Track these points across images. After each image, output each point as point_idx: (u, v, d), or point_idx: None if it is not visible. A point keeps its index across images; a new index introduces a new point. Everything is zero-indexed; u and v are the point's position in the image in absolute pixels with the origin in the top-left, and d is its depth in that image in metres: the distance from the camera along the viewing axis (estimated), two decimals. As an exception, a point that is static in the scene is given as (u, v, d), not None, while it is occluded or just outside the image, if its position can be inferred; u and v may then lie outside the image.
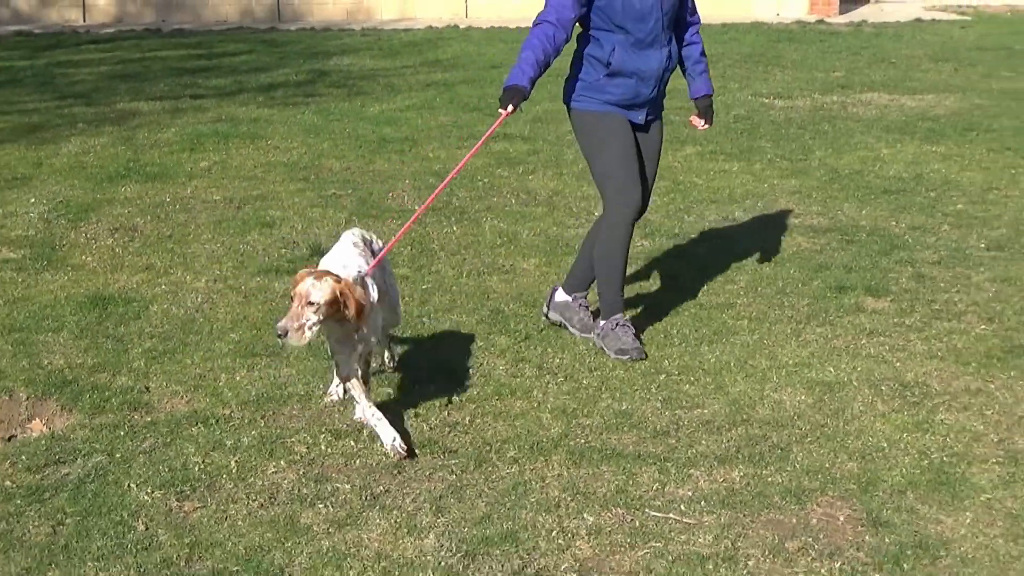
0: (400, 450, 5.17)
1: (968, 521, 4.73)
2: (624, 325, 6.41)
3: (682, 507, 4.83)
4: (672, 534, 4.64)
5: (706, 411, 5.70)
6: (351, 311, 5.08)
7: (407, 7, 22.35)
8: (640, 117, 6.44)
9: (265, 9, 22.11)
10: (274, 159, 10.65)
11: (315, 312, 5.02)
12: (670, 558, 4.47)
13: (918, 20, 22.78)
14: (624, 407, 5.73)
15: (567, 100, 6.53)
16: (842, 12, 24.02)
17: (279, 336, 5.03)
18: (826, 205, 9.31)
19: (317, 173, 10.16)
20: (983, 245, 8.26)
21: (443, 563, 4.42)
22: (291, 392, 5.87)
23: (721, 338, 6.59)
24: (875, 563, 4.45)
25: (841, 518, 4.76)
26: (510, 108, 5.99)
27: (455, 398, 5.80)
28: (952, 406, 5.75)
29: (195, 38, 19.30)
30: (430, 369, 6.13)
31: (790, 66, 16.87)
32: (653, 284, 7.51)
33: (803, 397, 5.84)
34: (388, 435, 5.21)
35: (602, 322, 6.48)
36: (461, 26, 21.02)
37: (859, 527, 4.70)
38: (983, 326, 6.78)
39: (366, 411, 5.31)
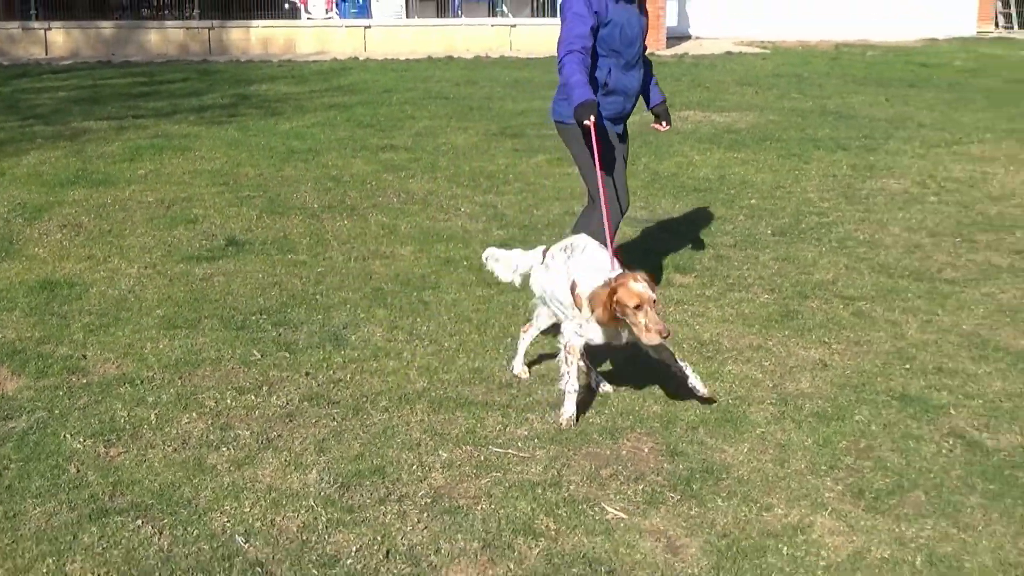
0: (571, 424, 4.98)
1: (745, 450, 4.80)
2: None
3: (519, 444, 4.85)
4: (510, 465, 4.65)
5: (542, 367, 5.71)
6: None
7: (322, 43, 22.17)
8: (620, 128, 6.36)
9: (200, 44, 21.78)
10: (200, 167, 10.47)
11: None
12: (507, 484, 4.48)
13: (728, 53, 23.09)
14: (477, 365, 5.73)
15: (563, 116, 6.19)
16: (669, 46, 24.25)
17: (665, 337, 4.78)
18: (648, 201, 9.37)
19: (235, 179, 10.01)
20: (770, 231, 8.38)
21: (322, 493, 4.39)
22: (204, 357, 5.78)
23: (558, 308, 6.62)
24: (671, 484, 4.50)
25: (646, 450, 4.81)
26: (592, 118, 5.70)
27: (339, 359, 5.76)
28: (738, 359, 5.83)
29: (140, 68, 18.91)
30: (320, 336, 6.08)
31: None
32: (506, 265, 7.52)
33: (620, 353, 5.87)
34: (569, 410, 5.01)
35: None
36: (361, 58, 20.86)
37: (660, 456, 4.75)
38: (766, 295, 6.87)
39: (572, 382, 5.05)
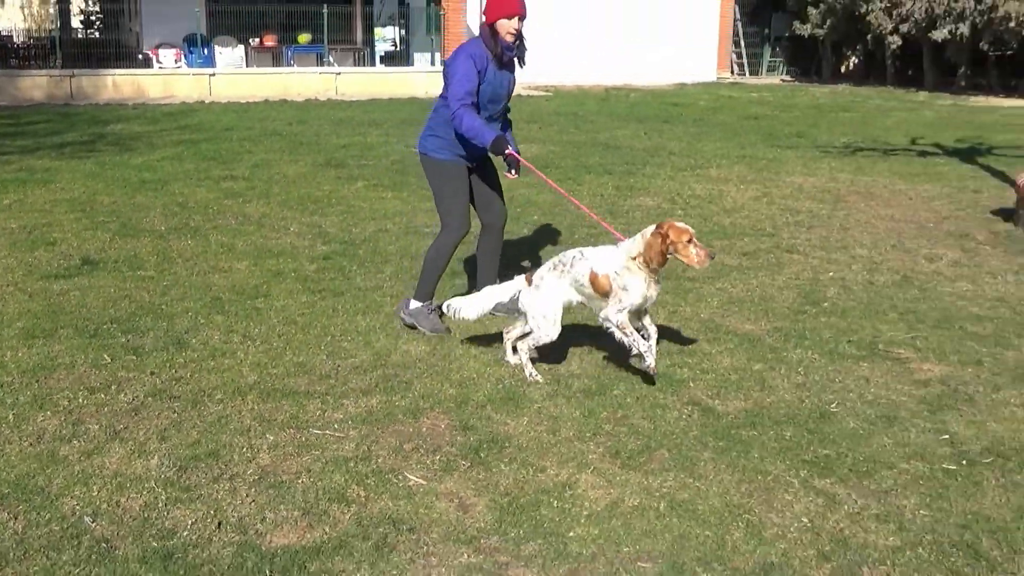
0: (656, 371, 5.21)
1: (525, 423, 4.84)
2: (435, 310, 6.20)
3: (335, 426, 4.78)
4: (327, 444, 4.58)
5: (357, 360, 5.65)
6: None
7: (171, 89, 21.50)
8: (475, 163, 6.23)
9: (62, 91, 20.86)
10: (60, 197, 10.01)
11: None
12: (324, 460, 4.42)
13: (519, 95, 23.27)
14: (301, 360, 5.62)
15: (429, 151, 6.15)
16: (469, 91, 24.28)
17: (713, 257, 5.22)
18: (449, 219, 9.36)
19: (92, 206, 9.61)
20: (551, 244, 8.47)
21: (163, 476, 4.24)
22: (60, 362, 5.51)
23: (371, 310, 6.54)
24: (463, 454, 4.51)
25: (443, 426, 4.81)
26: (510, 148, 5.79)
27: (181, 360, 5.58)
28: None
29: (7, 112, 17.99)
30: (164, 340, 5.88)
31: (432, 127, 16.92)
32: (329, 275, 7.40)
33: (424, 347, 5.86)
34: (651, 360, 5.17)
35: (414, 303, 6.20)
36: (206, 101, 20.31)
37: (454, 431, 4.75)
38: (544, 295, 6.95)
39: (638, 342, 5.19)
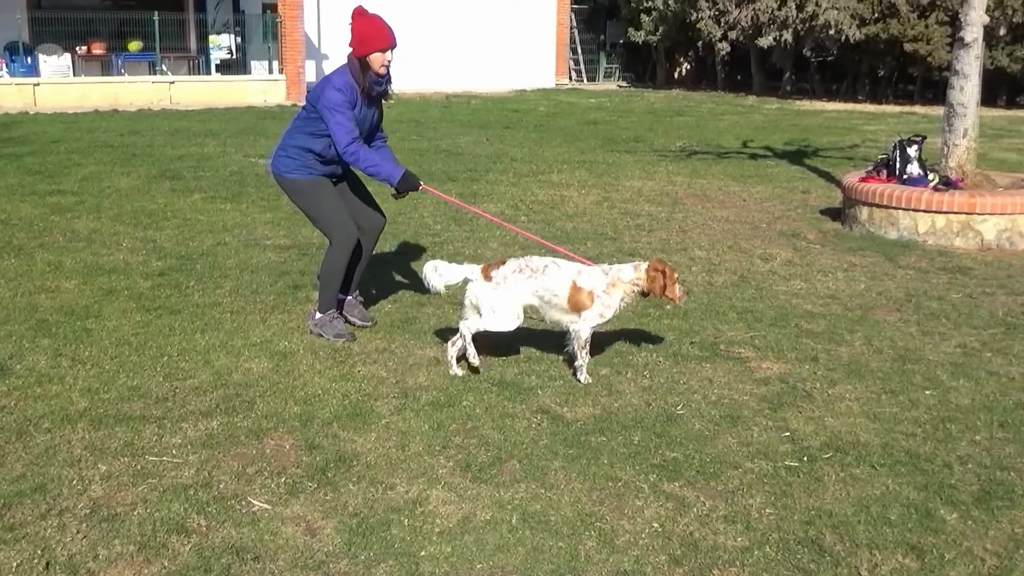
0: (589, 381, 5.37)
1: (373, 439, 4.71)
2: (338, 317, 6.09)
3: (174, 451, 4.55)
4: (165, 472, 4.35)
5: (196, 380, 5.41)
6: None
7: (-12, 99, 20.41)
8: (334, 177, 6.06)
9: None
10: None
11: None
12: (162, 489, 4.19)
13: (359, 103, 23.04)
14: (136, 383, 5.34)
15: (283, 172, 5.97)
16: (309, 99, 23.89)
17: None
18: (290, 230, 9.13)
19: (-96, 225, 8.99)
20: (392, 250, 8.35)
21: (-16, 514, 3.95)
22: None
23: (210, 328, 6.28)
24: (309, 475, 4.34)
25: (287, 446, 4.63)
26: (421, 184, 5.86)
27: (3, 388, 5.22)
28: (366, 361, 5.73)
29: None
30: (-15, 368, 5.51)
31: (272, 135, 16.49)
32: (165, 292, 7.08)
33: (266, 364, 5.66)
34: (586, 376, 5.38)
35: (319, 315, 6.08)
36: (31, 112, 19.34)
37: (299, 451, 4.58)
38: (390, 305, 6.82)
39: (586, 363, 5.40)
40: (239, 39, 25.25)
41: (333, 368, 5.59)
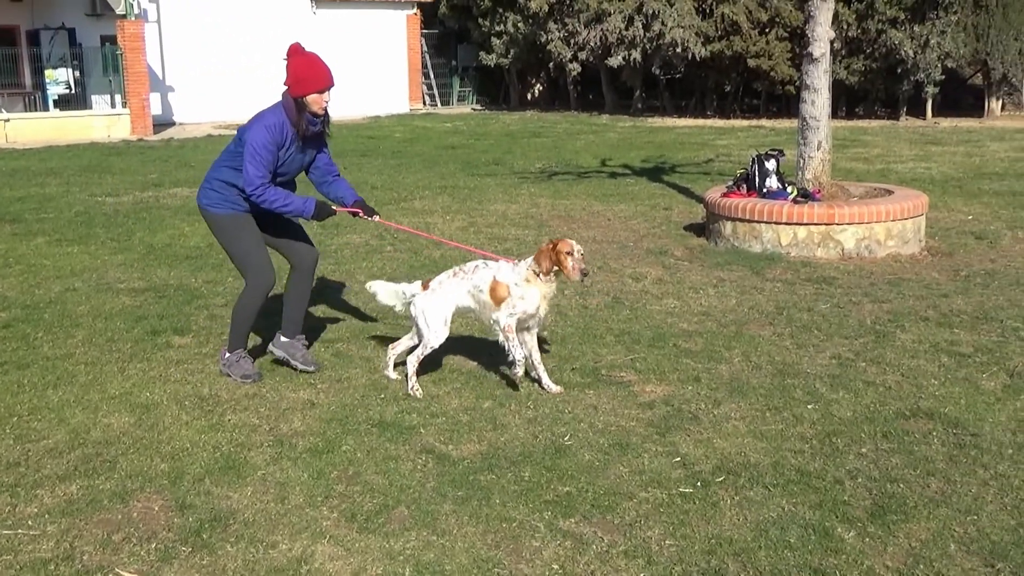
0: (521, 379, 5.55)
1: (249, 493, 4.43)
2: (246, 357, 5.86)
3: (29, 523, 4.18)
4: (20, 546, 3.98)
5: (50, 441, 5.02)
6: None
7: None
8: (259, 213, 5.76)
9: None
10: None
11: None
12: (18, 566, 3.82)
13: (209, 135, 22.54)
14: (-18, 448, 4.94)
15: (206, 205, 5.75)
16: (156, 132, 23.26)
17: (583, 275, 5.40)
18: (144, 272, 8.71)
19: None
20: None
21: None
22: None
23: (63, 382, 5.88)
24: (182, 538, 4.04)
25: (156, 508, 4.31)
26: (336, 207, 5.78)
27: None
28: (236, 408, 5.43)
29: None
30: None
31: (118, 172, 15.97)
32: (11, 345, 6.60)
33: (127, 419, 5.31)
34: (520, 370, 5.48)
35: (228, 354, 5.84)
36: None
37: (170, 512, 4.26)
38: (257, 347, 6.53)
39: (517, 351, 5.48)
40: (78, 73, 24.32)
41: (201, 418, 5.28)
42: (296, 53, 5.59)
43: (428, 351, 5.65)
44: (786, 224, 9.04)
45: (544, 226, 10.73)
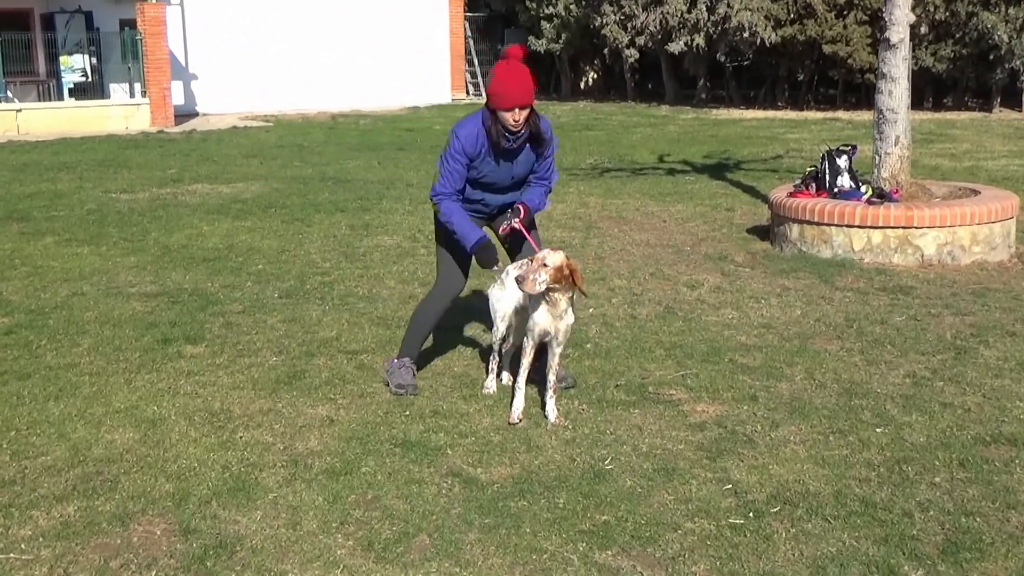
0: (516, 420, 5.41)
1: (259, 517, 4.45)
2: (410, 367, 5.98)
3: (22, 546, 4.22)
4: (12, 571, 4.03)
5: (49, 458, 5.08)
6: (579, 282, 5.33)
7: None
8: (483, 214, 5.96)
9: None
10: None
11: (545, 272, 5.21)
12: (8, 594, 3.89)
13: (234, 127, 22.74)
14: (-24, 465, 5.01)
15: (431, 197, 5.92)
16: (177, 123, 23.53)
17: (518, 282, 5.27)
18: (158, 275, 8.81)
19: None
20: (277, 295, 8.09)
21: None
22: None
23: (66, 394, 5.95)
24: (184, 566, 4.07)
25: (158, 532, 4.34)
26: (498, 264, 5.72)
27: None
28: (249, 425, 5.47)
29: None
30: None
31: (135, 167, 16.18)
32: (12, 354, 6.70)
33: (132, 435, 5.36)
34: (519, 404, 5.43)
35: (395, 360, 6.03)
36: None
37: (172, 537, 4.30)
38: (274, 358, 6.57)
39: (522, 377, 5.47)
40: (95, 60, 24.70)
41: (211, 435, 5.32)
42: (501, 62, 5.62)
43: (496, 346, 5.90)
44: (859, 227, 8.94)
45: (593, 228, 10.71)
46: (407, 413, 5.59)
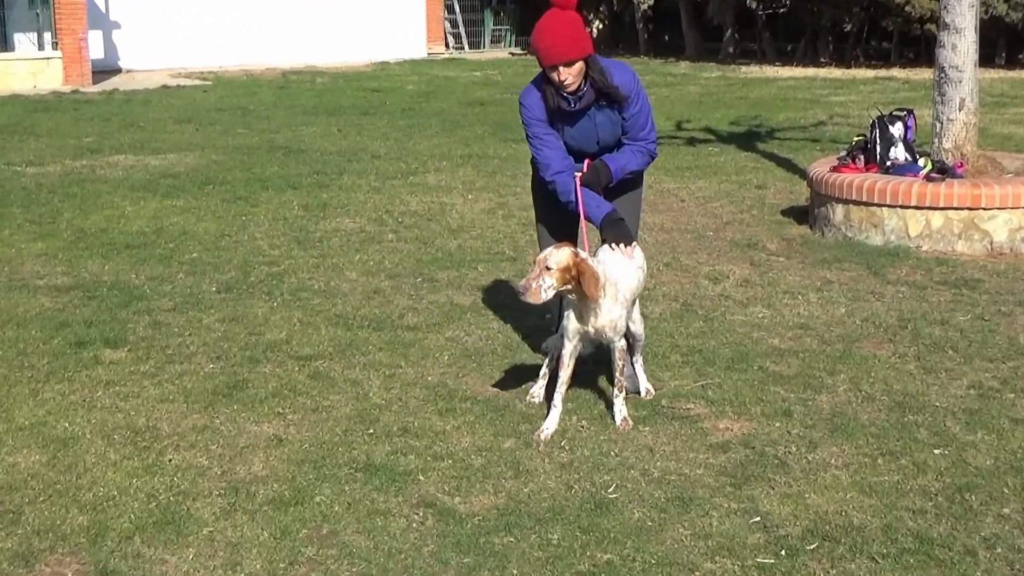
0: (542, 440, 5.49)
1: (191, 556, 4.46)
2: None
3: (-95, 591, 4.26)
4: None
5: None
6: (585, 284, 5.32)
7: None
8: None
9: None
10: None
11: (550, 276, 5.28)
12: None
13: (165, 86, 22.75)
14: None
15: None
16: (96, 82, 23.50)
17: (520, 292, 5.36)
18: (71, 264, 8.81)
19: None
20: (214, 288, 8.11)
21: None
22: None
23: (-41, 407, 5.98)
24: (101, 615, 4.10)
25: (69, 574, 4.36)
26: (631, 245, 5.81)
27: None
28: (180, 445, 5.48)
29: None
30: None
31: (44, 134, 16.17)
32: None
33: (38, 456, 5.36)
34: (552, 424, 5.55)
35: None
36: None
37: (87, 580, 4.33)
38: (211, 365, 6.58)
39: (560, 392, 5.60)
40: (-5, 5, 24.63)
41: (134, 457, 5.34)
42: (544, 14, 5.68)
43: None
44: (916, 208, 8.98)
45: (596, 209, 10.74)
46: (371, 431, 5.61)
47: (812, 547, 4.47)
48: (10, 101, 19.93)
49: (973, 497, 4.85)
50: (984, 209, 8.86)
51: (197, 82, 24.04)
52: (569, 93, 5.67)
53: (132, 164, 13.54)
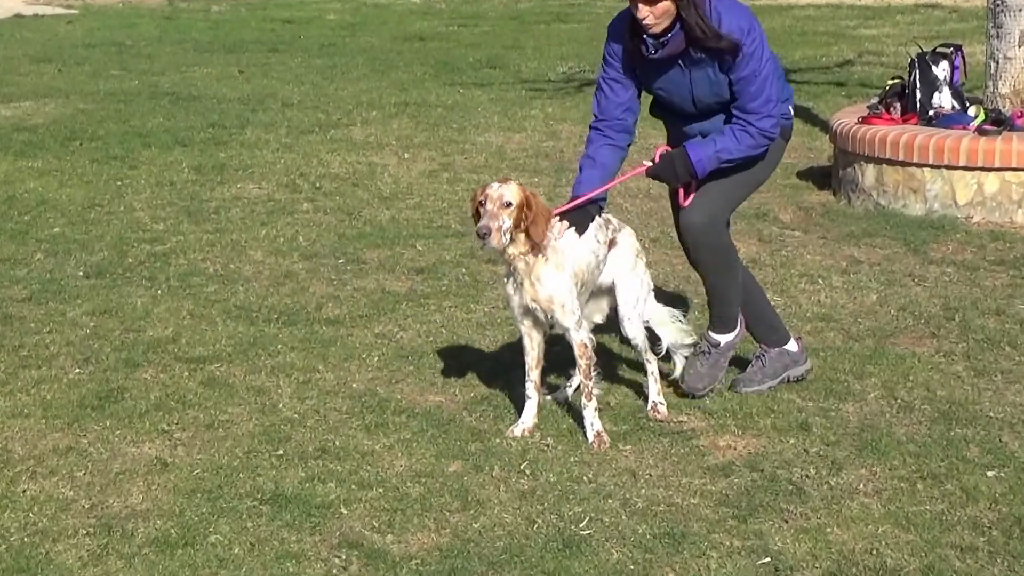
0: (514, 434, 5.76)
1: (51, 615, 4.48)
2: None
3: None
4: None
5: None
6: (532, 219, 5.51)
7: None
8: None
9: None
10: None
11: (508, 214, 5.46)
12: None
13: (18, 16, 22.59)
14: None
15: None
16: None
17: (481, 236, 5.48)
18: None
19: None
20: (81, 273, 8.10)
21: None
22: None
23: None
24: None
25: None
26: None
27: None
28: (38, 472, 5.47)
29: None
30: None
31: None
32: None
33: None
34: (529, 418, 5.81)
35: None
36: None
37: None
38: (78, 369, 6.58)
39: (531, 379, 5.87)
40: None
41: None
42: None
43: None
44: (965, 169, 9.04)
45: (566, 171, 10.72)
46: (279, 452, 5.62)
47: (835, 594, 4.51)
48: None
49: (1035, 531, 4.90)
50: (1051, 170, 8.93)
51: (59, 10, 23.94)
52: (650, 36, 5.68)
53: (-25, 115, 13.50)
